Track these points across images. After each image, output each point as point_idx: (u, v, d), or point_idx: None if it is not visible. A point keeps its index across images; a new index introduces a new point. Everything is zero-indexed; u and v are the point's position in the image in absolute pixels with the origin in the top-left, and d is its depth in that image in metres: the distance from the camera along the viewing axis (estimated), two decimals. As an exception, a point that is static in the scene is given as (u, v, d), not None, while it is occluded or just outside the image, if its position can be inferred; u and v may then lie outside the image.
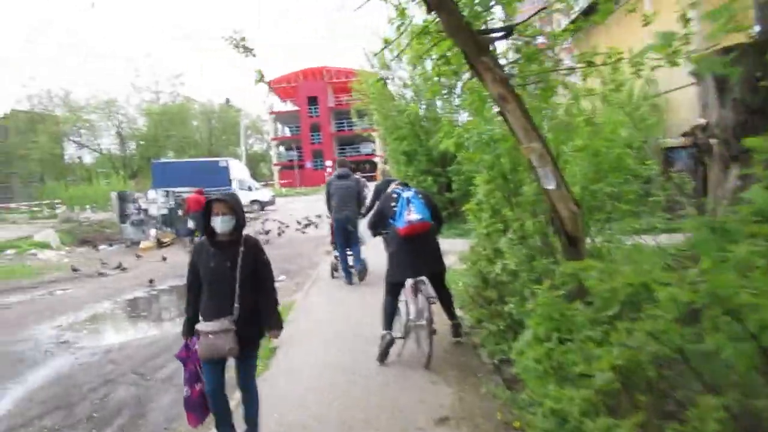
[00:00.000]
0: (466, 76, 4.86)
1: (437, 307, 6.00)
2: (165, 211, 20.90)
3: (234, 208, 3.96)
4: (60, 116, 61.29)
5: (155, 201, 20.74)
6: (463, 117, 17.28)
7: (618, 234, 4.89)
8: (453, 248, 12.03)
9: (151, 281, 12.52)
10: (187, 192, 23.39)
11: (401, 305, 5.83)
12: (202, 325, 3.93)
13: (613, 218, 4.95)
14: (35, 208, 40.12)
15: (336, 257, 10.56)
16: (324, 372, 5.65)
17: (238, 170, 36.82)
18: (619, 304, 2.65)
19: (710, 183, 3.96)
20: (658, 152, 9.66)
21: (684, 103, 11.65)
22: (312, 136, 68.45)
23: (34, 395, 6.40)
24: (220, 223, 3.93)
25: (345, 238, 9.83)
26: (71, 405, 6.01)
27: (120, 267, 15.29)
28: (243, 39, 4.75)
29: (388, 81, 18.27)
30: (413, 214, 5.54)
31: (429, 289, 5.74)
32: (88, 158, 65.92)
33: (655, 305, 2.39)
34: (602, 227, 5.05)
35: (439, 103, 17.63)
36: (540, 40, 4.88)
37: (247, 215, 23.45)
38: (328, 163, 55.95)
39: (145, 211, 20.58)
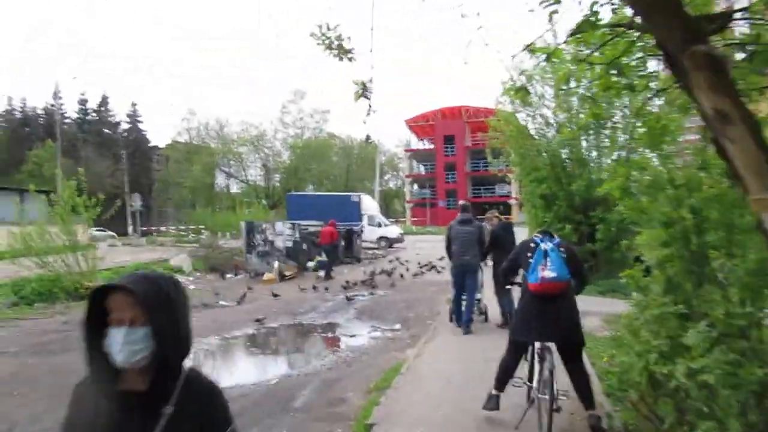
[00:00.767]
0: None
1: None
2: (290, 244, 20.80)
3: (153, 307, 1.71)
4: (214, 148, 66.40)
5: (281, 233, 20.67)
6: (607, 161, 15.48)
7: None
8: (593, 307, 10.34)
9: (258, 320, 11.88)
10: (314, 225, 23.32)
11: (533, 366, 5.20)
12: None
13: None
14: (182, 233, 43.00)
15: (454, 303, 10.11)
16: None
17: (369, 206, 36.84)
18: None
19: None
20: None
21: None
22: (447, 175, 68.06)
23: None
24: (119, 345, 1.69)
25: (463, 284, 9.56)
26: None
27: (237, 299, 15.01)
28: (339, 37, 3.70)
29: (527, 119, 16.85)
30: (548, 271, 4.89)
31: (554, 359, 4.95)
32: (235, 188, 70.49)
33: None
34: None
35: (584, 143, 15.93)
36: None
37: (374, 252, 22.95)
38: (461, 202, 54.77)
39: (271, 242, 20.58)
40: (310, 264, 21.16)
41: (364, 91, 3.90)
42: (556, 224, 14.72)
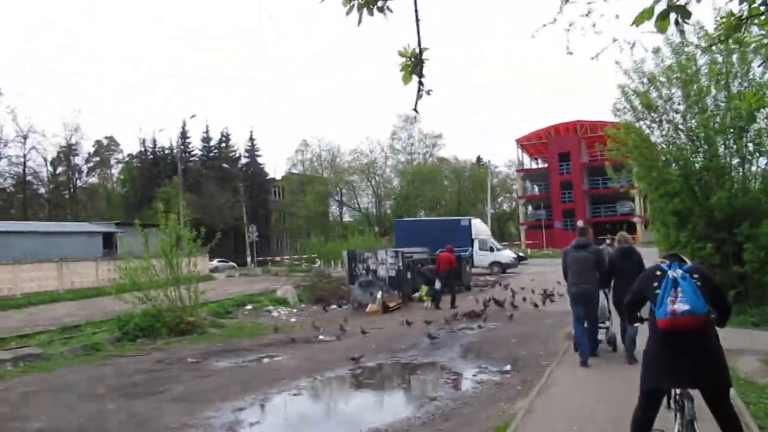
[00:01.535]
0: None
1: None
2: (393, 273, 19.89)
3: None
4: (326, 178, 68.30)
5: (384, 262, 19.88)
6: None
7: None
8: (747, 344, 8.93)
9: (354, 358, 10.95)
10: (418, 252, 22.36)
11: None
12: None
13: None
14: (296, 262, 43.87)
15: (575, 334, 9.36)
16: None
17: (479, 230, 35.56)
18: None
19: None
20: None
21: None
22: (562, 194, 64.96)
23: None
24: None
25: (582, 315, 8.93)
26: None
27: (336, 334, 14.28)
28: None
29: (653, 126, 14.85)
30: (679, 303, 4.12)
31: (694, 407, 4.23)
32: (348, 216, 71.85)
33: None
34: None
35: (721, 149, 13.72)
36: None
37: (485, 279, 21.46)
38: (580, 223, 51.76)
39: (374, 272, 19.82)
40: (416, 294, 20.16)
41: (416, 65, 2.88)
42: (693, 244, 12.81)
